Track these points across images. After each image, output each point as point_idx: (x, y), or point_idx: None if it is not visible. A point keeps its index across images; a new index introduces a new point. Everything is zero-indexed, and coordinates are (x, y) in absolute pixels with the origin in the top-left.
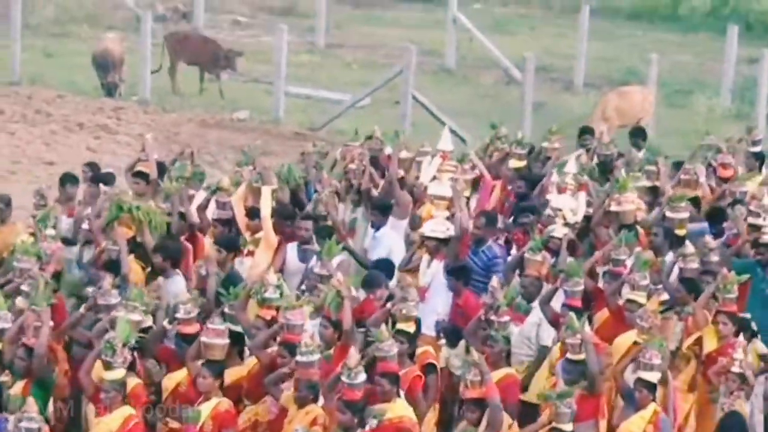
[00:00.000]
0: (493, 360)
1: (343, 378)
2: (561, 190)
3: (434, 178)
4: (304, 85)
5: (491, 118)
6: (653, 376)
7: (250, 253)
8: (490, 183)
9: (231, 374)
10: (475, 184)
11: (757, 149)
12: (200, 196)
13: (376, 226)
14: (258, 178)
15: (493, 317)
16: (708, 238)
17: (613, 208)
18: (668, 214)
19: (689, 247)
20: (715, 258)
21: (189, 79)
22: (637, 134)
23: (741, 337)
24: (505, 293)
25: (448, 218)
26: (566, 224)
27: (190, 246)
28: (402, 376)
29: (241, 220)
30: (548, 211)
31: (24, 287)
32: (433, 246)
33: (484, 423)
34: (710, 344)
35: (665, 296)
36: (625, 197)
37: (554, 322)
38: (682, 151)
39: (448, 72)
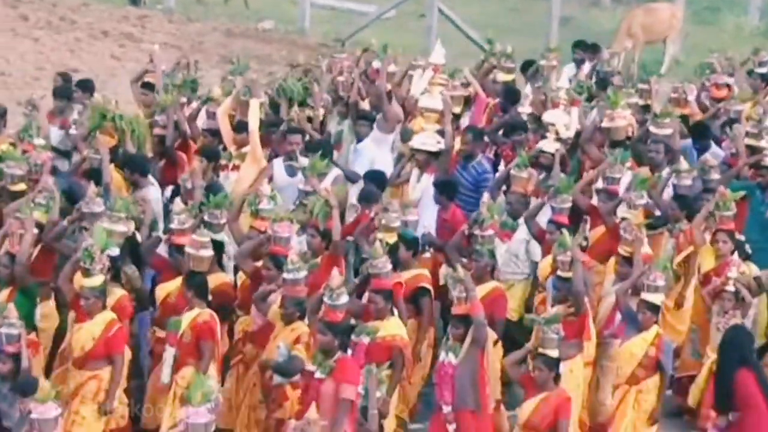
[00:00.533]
0: (478, 275)
1: (325, 299)
2: (554, 105)
3: (425, 90)
4: None
5: (518, 32)
6: (657, 298)
7: (236, 168)
8: (484, 100)
9: (212, 280)
10: (468, 101)
11: (763, 70)
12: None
13: (360, 138)
14: (246, 90)
15: (477, 231)
16: (708, 156)
17: (606, 124)
18: (652, 129)
19: (683, 164)
20: (715, 176)
21: None
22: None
23: (736, 256)
24: (489, 208)
25: (438, 131)
26: (558, 139)
27: (184, 156)
28: None
29: (227, 133)
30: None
31: (40, 200)
32: (423, 159)
33: (468, 339)
34: (708, 263)
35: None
36: (618, 113)
37: (539, 237)
38: None
39: None
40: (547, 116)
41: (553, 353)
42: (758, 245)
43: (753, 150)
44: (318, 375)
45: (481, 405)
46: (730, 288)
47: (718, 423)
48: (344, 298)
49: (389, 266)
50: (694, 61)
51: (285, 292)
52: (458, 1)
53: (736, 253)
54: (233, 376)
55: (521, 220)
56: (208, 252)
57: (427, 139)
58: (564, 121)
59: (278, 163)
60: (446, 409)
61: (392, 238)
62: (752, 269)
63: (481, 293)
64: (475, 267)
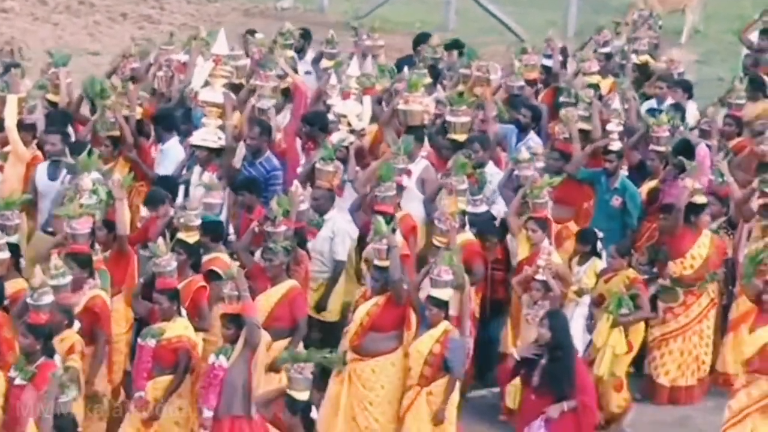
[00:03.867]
0: (273, 274)
1: (28, 299)
2: (345, 95)
3: (206, 83)
4: None
5: (537, 5)
6: (444, 293)
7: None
8: (303, 91)
9: (9, 286)
10: (287, 93)
11: (606, 50)
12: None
13: (162, 140)
14: (4, 86)
15: (269, 228)
16: (536, 143)
17: (400, 106)
18: (448, 118)
19: (524, 153)
20: (540, 165)
21: None
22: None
23: (546, 242)
24: (279, 202)
25: (220, 127)
26: (351, 131)
27: None
28: (184, 287)
29: None
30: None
31: None
32: (204, 156)
33: (241, 341)
34: (523, 252)
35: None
36: (414, 97)
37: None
38: (727, 36)
39: None
40: (339, 107)
41: (302, 396)
42: (606, 234)
43: (585, 134)
44: (18, 381)
45: (249, 411)
46: (540, 277)
47: (550, 414)
48: (48, 299)
49: (174, 264)
50: (713, 29)
51: None
52: None
53: (546, 240)
54: None
55: (327, 216)
56: (4, 254)
57: (207, 135)
58: (356, 111)
59: (41, 167)
60: (206, 413)
61: (192, 238)
62: (597, 265)
63: (279, 293)
64: (268, 266)
